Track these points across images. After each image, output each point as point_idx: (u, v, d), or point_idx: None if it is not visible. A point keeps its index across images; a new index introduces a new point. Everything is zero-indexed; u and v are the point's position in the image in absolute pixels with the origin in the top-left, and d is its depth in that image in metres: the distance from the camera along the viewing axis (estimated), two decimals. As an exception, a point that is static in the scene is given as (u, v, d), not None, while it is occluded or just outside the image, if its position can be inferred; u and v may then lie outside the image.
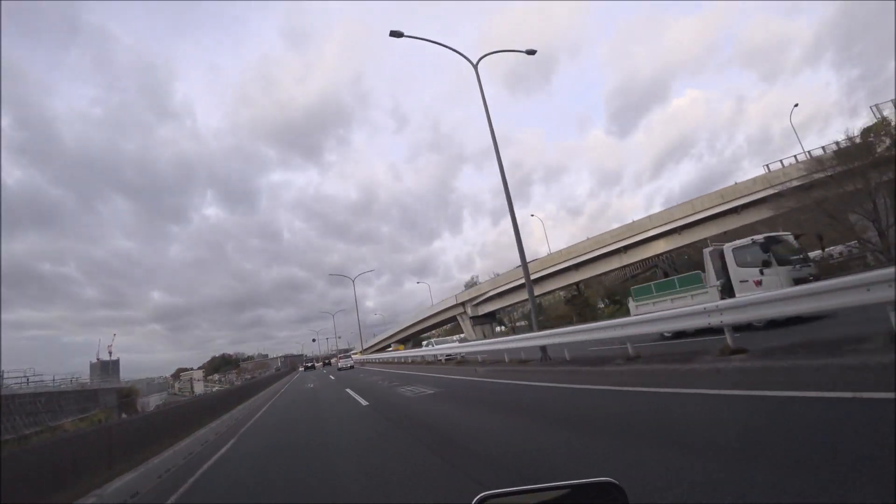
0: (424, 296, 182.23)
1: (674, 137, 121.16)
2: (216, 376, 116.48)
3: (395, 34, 15.99)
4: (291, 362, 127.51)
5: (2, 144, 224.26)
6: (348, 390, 14.13)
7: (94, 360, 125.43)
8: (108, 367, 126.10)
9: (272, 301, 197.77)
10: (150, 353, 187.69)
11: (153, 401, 48.16)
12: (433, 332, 60.47)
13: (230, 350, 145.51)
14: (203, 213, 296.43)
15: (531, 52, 17.51)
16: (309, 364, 70.69)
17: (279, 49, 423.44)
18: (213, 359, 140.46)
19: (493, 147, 15.15)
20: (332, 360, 65.63)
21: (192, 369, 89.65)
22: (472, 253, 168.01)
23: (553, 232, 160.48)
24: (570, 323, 26.75)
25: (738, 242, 11.33)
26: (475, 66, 15.87)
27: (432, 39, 16.27)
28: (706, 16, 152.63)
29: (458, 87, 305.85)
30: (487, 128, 15.35)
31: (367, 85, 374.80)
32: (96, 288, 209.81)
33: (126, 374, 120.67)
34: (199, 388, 63.16)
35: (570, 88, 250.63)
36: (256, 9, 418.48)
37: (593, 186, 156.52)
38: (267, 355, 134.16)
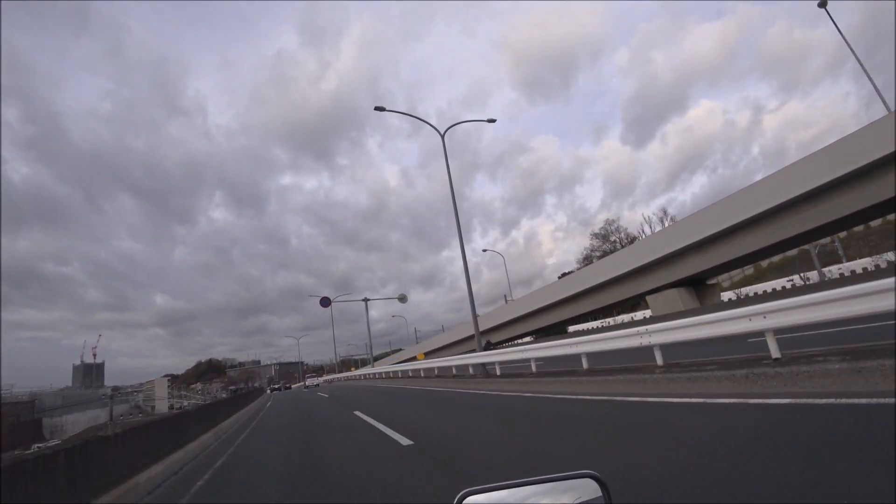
0: (430, 308, 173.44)
1: (689, 148, 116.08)
2: (198, 385, 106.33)
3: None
4: (289, 373, 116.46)
5: (9, 139, 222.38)
6: None
7: (78, 363, 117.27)
8: (91, 371, 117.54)
9: (276, 308, 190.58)
10: (152, 358, 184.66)
11: (84, 421, 36.15)
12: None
13: (237, 358, 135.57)
14: (210, 216, 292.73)
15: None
16: (276, 387, 58.50)
17: (294, 46, 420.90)
18: (199, 364, 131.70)
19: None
20: (292, 385, 60.41)
21: (166, 377, 79.03)
22: (479, 264, 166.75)
23: (563, 244, 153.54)
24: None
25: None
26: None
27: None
28: (728, 22, 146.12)
29: (475, 92, 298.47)
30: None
31: (382, 86, 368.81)
32: (99, 290, 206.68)
33: (116, 379, 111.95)
34: (162, 405, 52.04)
35: (588, 95, 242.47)
36: (273, 4, 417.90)
37: (605, 197, 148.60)
38: (259, 362, 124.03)
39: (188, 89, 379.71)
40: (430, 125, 17.60)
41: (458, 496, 0.80)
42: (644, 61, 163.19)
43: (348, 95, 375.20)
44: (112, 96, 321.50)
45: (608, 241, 60.55)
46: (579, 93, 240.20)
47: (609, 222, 62.47)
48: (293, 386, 58.88)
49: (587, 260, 63.21)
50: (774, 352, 5.94)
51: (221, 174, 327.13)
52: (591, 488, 0.81)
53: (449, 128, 18.37)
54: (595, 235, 62.85)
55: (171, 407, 53.95)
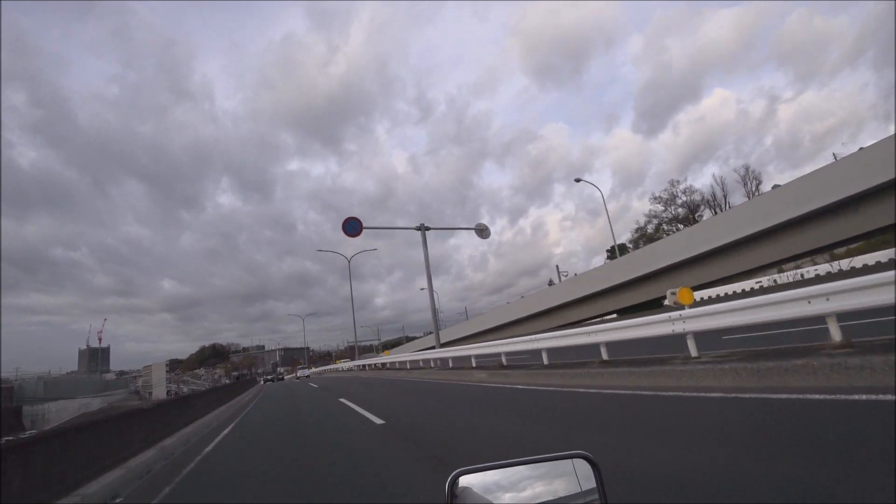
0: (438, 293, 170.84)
1: (701, 138, 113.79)
2: (201, 370, 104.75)
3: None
4: (293, 359, 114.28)
5: (17, 123, 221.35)
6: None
7: (84, 347, 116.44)
8: (96, 355, 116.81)
9: (282, 294, 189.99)
10: (159, 343, 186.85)
11: (73, 409, 33.23)
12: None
13: (241, 344, 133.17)
14: (217, 201, 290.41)
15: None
16: (269, 377, 56.26)
17: (303, 28, 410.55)
18: (203, 349, 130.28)
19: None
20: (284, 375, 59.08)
21: (166, 362, 76.40)
22: (486, 252, 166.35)
23: (570, 234, 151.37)
24: None
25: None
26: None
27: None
28: (747, 8, 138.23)
29: (485, 77, 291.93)
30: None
31: (392, 71, 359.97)
32: (107, 275, 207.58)
33: (123, 364, 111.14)
34: (159, 391, 49.25)
35: (600, 83, 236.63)
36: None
37: (615, 187, 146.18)
38: (263, 347, 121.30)
39: (195, 73, 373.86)
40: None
41: (452, 475, 0.79)
42: (658, 49, 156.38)
43: (357, 80, 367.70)
44: (118, 80, 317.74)
45: (673, 203, 52.27)
46: (591, 80, 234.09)
47: (673, 183, 52.90)
48: (286, 377, 56.11)
49: (640, 231, 56.42)
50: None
51: (228, 159, 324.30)
52: (582, 468, 0.81)
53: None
54: (656, 199, 53.47)
55: (169, 392, 51.33)
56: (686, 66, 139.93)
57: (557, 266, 49.60)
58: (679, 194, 52.53)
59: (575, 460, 0.81)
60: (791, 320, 5.54)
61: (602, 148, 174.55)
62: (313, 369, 55.67)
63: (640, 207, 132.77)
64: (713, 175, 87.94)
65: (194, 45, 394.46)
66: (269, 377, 55.50)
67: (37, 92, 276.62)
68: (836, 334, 5.03)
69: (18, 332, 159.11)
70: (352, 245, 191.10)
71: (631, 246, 55.65)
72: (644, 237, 55.23)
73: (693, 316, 6.72)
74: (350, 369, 37.13)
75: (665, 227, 53.38)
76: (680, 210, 52.63)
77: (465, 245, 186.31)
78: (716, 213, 50.39)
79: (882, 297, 4.49)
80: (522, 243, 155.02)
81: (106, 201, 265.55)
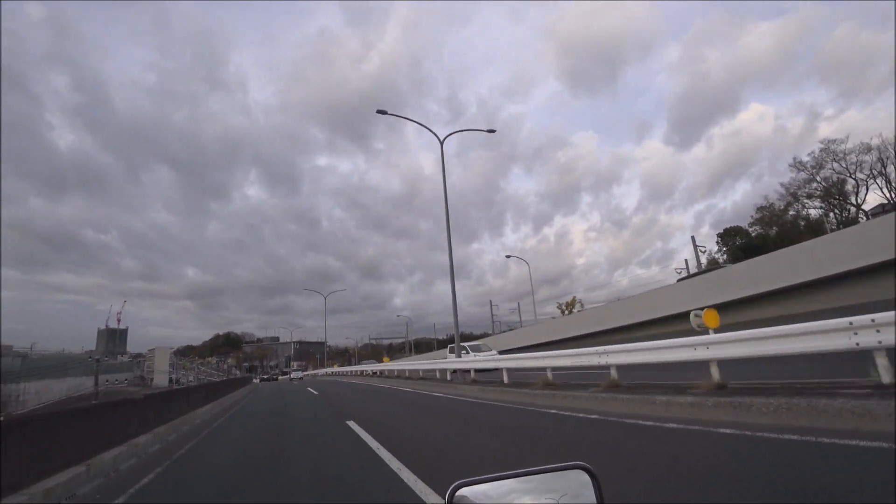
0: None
1: (735, 153, 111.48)
2: (213, 359, 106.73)
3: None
4: (309, 353, 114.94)
5: (58, 106, 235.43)
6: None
7: (102, 327, 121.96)
8: (114, 336, 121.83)
9: (302, 289, 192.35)
10: (180, 329, 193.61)
11: (60, 390, 33.07)
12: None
13: (256, 334, 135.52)
14: (244, 192, 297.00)
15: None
16: (265, 377, 55.62)
17: (338, 23, 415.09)
18: (217, 337, 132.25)
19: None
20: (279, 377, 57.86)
21: (171, 348, 77.23)
22: (507, 262, 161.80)
23: (595, 245, 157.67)
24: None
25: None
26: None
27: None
28: (789, 21, 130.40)
29: (517, 81, 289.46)
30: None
31: (424, 70, 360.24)
32: (134, 259, 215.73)
33: (143, 346, 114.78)
34: (162, 377, 49.81)
35: (633, 91, 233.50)
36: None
37: (642, 199, 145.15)
38: (278, 338, 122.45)
39: (230, 63, 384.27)
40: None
41: (451, 488, 0.79)
42: (696, 59, 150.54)
43: (389, 78, 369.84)
44: (156, 68, 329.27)
45: (821, 170, 39.00)
46: (625, 88, 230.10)
47: (827, 144, 38.19)
48: (280, 377, 55.29)
49: (764, 210, 43.75)
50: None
51: (258, 151, 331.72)
52: (581, 480, 0.81)
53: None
54: (800, 166, 39.72)
55: (171, 381, 51.85)
56: (723, 77, 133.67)
57: (693, 237, 41.27)
58: (840, 156, 37.54)
59: (574, 472, 0.82)
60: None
61: (632, 158, 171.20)
62: (335, 368, 50.28)
63: (668, 221, 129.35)
64: (879, 135, 60.29)
65: (230, 35, 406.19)
66: (265, 376, 55.51)
67: (78, 76, 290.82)
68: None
69: (45, 309, 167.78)
70: (373, 245, 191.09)
71: (752, 230, 45.95)
72: (767, 219, 43.35)
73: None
74: (431, 375, 20.02)
75: (801, 204, 40.44)
76: (834, 179, 38.83)
77: (488, 251, 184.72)
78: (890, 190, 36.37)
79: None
80: (546, 251, 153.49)
81: (137, 187, 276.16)
